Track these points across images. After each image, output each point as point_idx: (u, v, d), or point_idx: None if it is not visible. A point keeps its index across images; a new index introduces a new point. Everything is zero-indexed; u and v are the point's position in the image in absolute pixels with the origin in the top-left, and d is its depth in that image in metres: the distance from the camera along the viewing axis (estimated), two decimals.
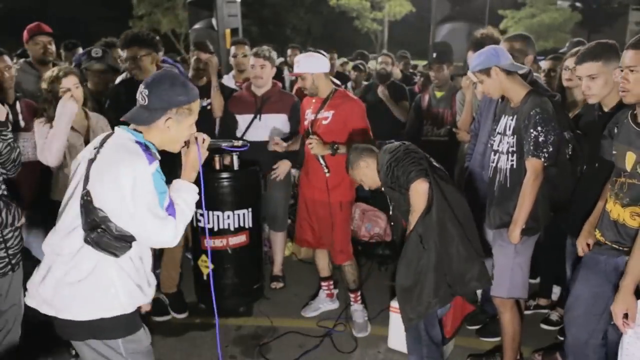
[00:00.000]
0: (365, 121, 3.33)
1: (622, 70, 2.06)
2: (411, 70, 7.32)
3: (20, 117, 3.13)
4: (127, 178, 1.74)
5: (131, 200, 1.75)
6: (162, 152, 1.95)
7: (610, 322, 2.24)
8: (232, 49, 4.47)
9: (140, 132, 1.88)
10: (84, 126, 2.99)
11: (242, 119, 3.79)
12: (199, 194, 2.01)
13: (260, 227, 3.83)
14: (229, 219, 3.47)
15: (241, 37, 7.52)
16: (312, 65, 3.29)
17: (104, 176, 1.78)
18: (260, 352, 3.23)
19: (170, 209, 1.84)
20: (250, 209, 3.53)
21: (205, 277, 3.57)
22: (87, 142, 2.92)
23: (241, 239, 3.54)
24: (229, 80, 4.45)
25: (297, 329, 3.45)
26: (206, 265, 3.56)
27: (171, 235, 1.84)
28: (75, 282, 1.83)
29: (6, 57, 3.16)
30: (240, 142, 2.31)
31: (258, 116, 3.75)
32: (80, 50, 4.79)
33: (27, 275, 2.79)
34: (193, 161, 1.97)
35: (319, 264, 3.67)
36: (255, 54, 3.73)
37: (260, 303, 3.78)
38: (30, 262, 3.05)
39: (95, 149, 1.86)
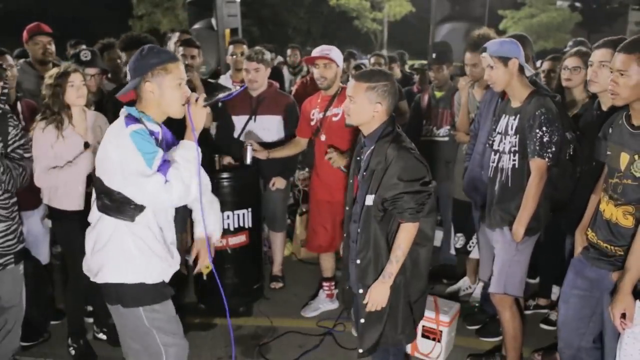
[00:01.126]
0: None
1: (612, 72, 2.07)
2: (409, 70, 7.31)
3: (21, 117, 3.14)
4: (110, 146, 1.95)
5: (118, 163, 1.91)
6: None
7: (602, 325, 2.26)
8: (230, 48, 4.48)
9: (133, 107, 2.02)
10: (84, 127, 2.99)
11: (238, 120, 3.78)
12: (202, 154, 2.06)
13: (260, 227, 3.83)
14: (228, 219, 3.47)
15: (241, 37, 7.53)
16: (339, 58, 3.36)
17: (99, 150, 2.01)
18: (260, 352, 3.23)
19: (162, 167, 1.92)
20: (249, 209, 3.54)
21: (204, 277, 3.57)
22: (85, 142, 2.92)
23: (241, 239, 3.54)
24: (226, 80, 4.45)
25: (296, 328, 3.46)
26: (206, 266, 3.56)
27: (157, 190, 1.89)
28: (101, 248, 2.05)
29: (8, 57, 3.17)
30: (238, 86, 2.32)
31: (253, 117, 3.75)
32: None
33: (27, 276, 2.81)
34: (189, 121, 2.01)
35: (324, 265, 3.67)
36: (248, 58, 3.67)
37: (260, 303, 3.78)
38: (30, 263, 3.07)
39: None
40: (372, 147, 2.27)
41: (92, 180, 2.97)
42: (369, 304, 2.27)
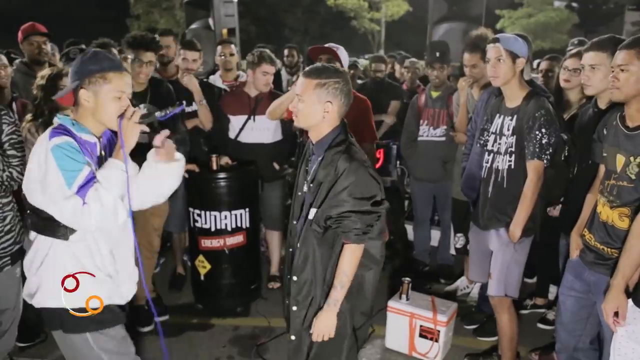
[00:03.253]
0: (370, 117, 3.33)
1: (613, 70, 2.08)
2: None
3: (16, 117, 3.12)
4: (33, 159, 1.82)
5: (38, 179, 1.79)
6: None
7: (599, 327, 2.27)
8: (218, 49, 4.47)
9: (68, 116, 1.90)
10: None
11: (236, 120, 3.78)
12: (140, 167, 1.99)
13: (258, 227, 3.83)
14: (226, 219, 3.47)
15: (238, 37, 7.52)
16: (345, 60, 3.36)
17: (27, 167, 1.88)
18: (257, 352, 3.23)
19: (82, 189, 1.76)
20: (247, 209, 3.53)
21: (202, 278, 3.57)
22: None
23: (238, 239, 3.54)
24: (216, 80, 4.45)
25: None
26: (203, 266, 3.56)
27: (74, 213, 1.75)
28: (37, 268, 1.91)
29: (2, 56, 3.15)
30: (176, 106, 2.08)
31: (252, 117, 3.74)
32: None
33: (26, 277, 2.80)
34: (119, 136, 1.87)
35: None
36: (270, 62, 3.65)
37: (257, 303, 3.78)
38: None
39: None
40: (321, 157, 2.03)
41: None
42: (314, 335, 2.04)
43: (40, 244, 1.91)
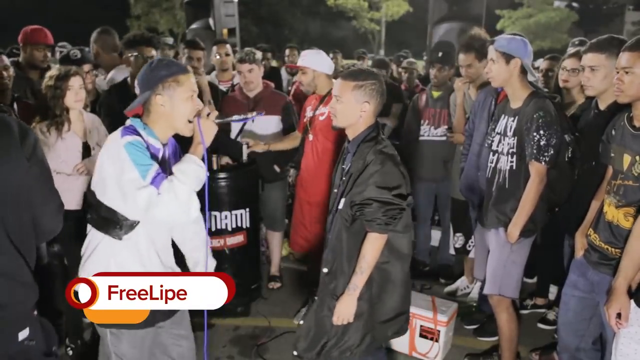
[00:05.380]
0: None
1: (617, 72, 2.08)
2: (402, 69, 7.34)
3: (17, 117, 3.13)
4: (104, 156, 1.87)
5: (112, 175, 1.81)
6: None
7: (602, 327, 2.27)
8: (214, 49, 4.48)
9: (140, 119, 1.94)
10: (82, 129, 2.98)
11: None
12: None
13: (258, 227, 3.83)
14: (226, 219, 3.47)
15: (238, 37, 7.52)
16: (317, 62, 3.33)
17: (97, 161, 1.92)
18: (257, 352, 3.23)
19: (156, 180, 1.78)
20: (247, 209, 3.53)
21: None
22: (85, 143, 2.92)
23: (239, 239, 3.54)
24: (213, 80, 4.45)
25: (295, 329, 3.44)
26: None
27: (148, 203, 1.76)
28: (85, 260, 1.97)
29: (4, 57, 3.15)
30: (254, 113, 2.14)
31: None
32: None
33: None
34: (196, 135, 1.92)
35: (314, 270, 3.65)
36: (240, 61, 3.68)
37: (257, 303, 3.78)
38: None
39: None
40: (354, 152, 2.18)
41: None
42: (334, 317, 2.16)
43: (92, 237, 1.97)
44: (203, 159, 1.90)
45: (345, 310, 2.15)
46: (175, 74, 1.89)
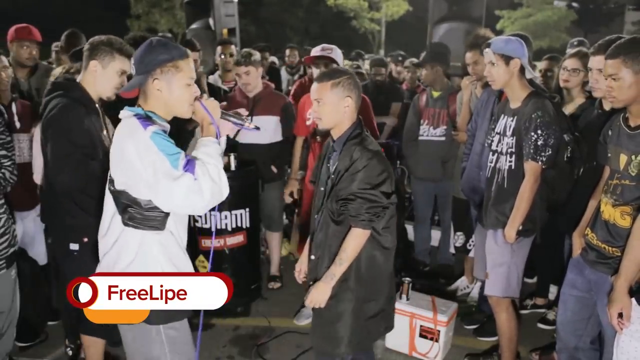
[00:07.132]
0: (370, 114, 3.33)
1: (606, 79, 2.08)
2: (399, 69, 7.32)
3: (15, 118, 3.13)
4: (130, 151, 1.74)
5: (142, 170, 1.73)
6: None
7: (600, 326, 2.27)
8: (218, 49, 4.48)
9: (139, 106, 1.87)
10: None
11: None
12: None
13: (258, 227, 3.83)
14: (226, 219, 3.47)
15: (238, 37, 7.51)
16: (340, 59, 3.41)
17: (114, 158, 1.83)
18: (257, 352, 3.23)
19: (188, 166, 1.74)
20: (247, 209, 3.54)
21: None
22: None
23: (239, 239, 3.54)
24: (215, 81, 4.45)
25: (294, 328, 3.46)
26: (204, 266, 3.56)
27: (187, 191, 1.71)
28: (125, 267, 1.84)
29: (2, 58, 3.15)
30: (252, 125, 2.05)
31: (250, 118, 3.75)
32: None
33: (24, 276, 2.80)
34: (203, 116, 1.89)
35: None
36: (237, 63, 3.70)
37: (257, 303, 3.78)
38: (27, 264, 3.06)
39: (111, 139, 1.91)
40: (340, 150, 2.20)
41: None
42: (307, 300, 2.23)
43: (127, 242, 1.85)
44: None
45: (318, 296, 2.19)
46: (175, 59, 1.83)
